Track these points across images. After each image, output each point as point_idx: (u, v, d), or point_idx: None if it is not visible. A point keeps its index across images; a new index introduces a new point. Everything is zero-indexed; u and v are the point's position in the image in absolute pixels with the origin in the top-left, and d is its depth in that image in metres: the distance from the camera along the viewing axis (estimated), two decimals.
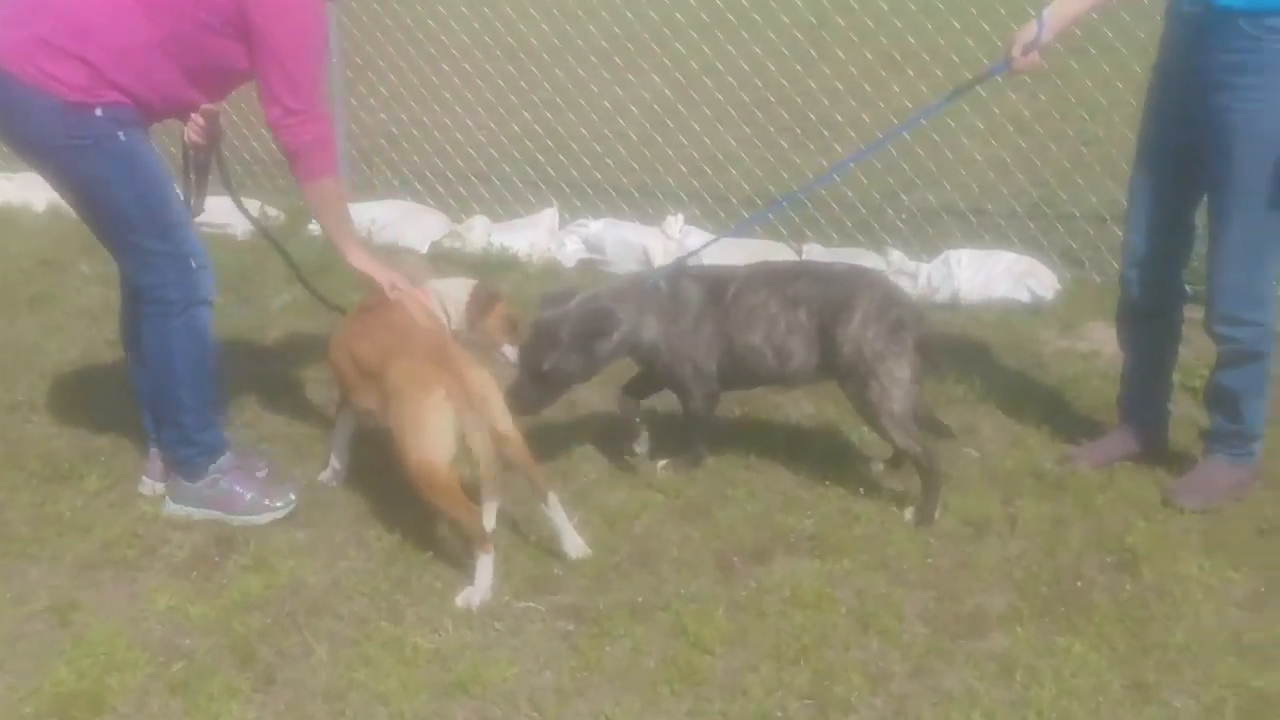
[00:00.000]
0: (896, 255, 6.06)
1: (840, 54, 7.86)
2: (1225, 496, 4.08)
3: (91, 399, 4.91)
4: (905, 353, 4.05)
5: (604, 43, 8.37)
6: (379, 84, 8.03)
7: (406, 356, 3.81)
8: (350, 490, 4.27)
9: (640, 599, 3.65)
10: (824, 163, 7.41)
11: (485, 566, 3.66)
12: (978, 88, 4.37)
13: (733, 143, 7.76)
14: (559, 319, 4.13)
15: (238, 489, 4.11)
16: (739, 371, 4.25)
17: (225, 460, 4.15)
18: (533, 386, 4.13)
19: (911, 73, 7.59)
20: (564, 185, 7.21)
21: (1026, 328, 5.51)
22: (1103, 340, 5.37)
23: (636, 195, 6.96)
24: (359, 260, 4.09)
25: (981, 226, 6.43)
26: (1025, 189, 6.81)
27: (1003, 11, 7.96)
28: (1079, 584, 3.69)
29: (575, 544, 3.85)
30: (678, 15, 8.11)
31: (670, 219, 6.44)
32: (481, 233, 6.67)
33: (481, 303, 4.28)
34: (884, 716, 3.19)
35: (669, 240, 6.33)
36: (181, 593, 3.73)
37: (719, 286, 4.20)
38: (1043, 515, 4.05)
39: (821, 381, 4.30)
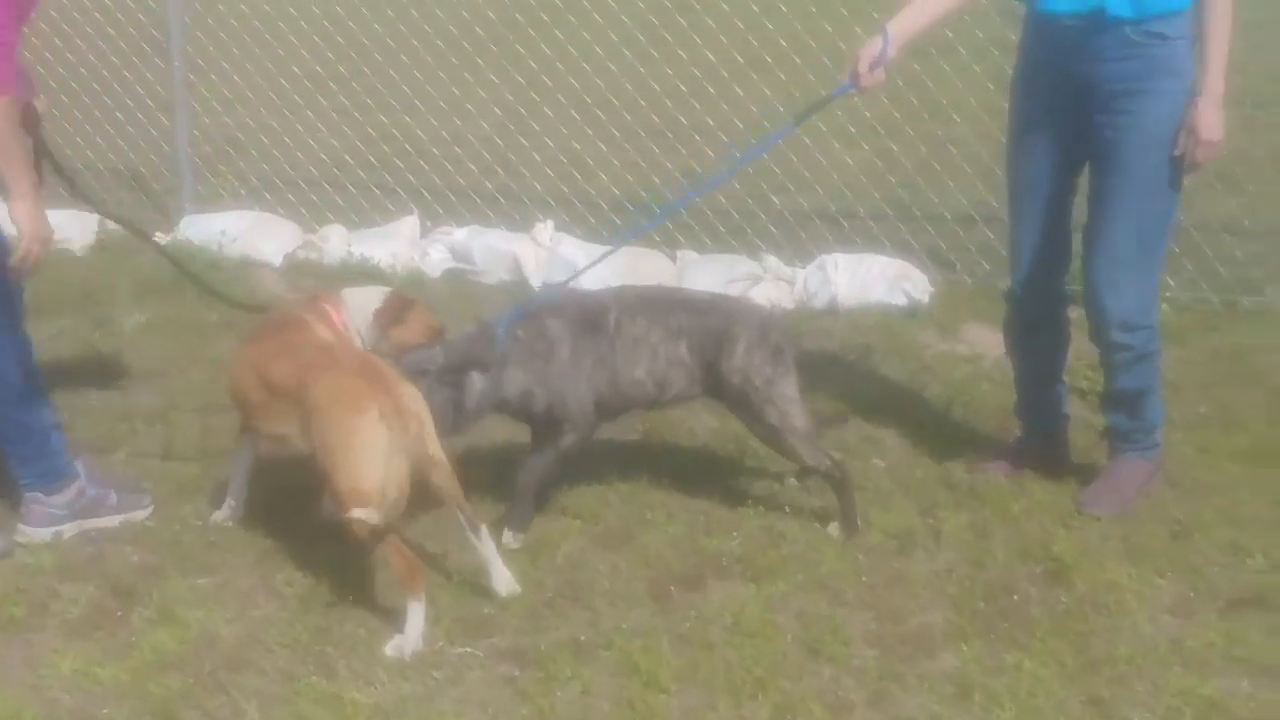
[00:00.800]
0: (772, 261, 6.04)
1: (710, 56, 7.79)
2: (1137, 497, 4.14)
3: None
4: (790, 371, 4.07)
5: (465, 44, 8.13)
6: (221, 86, 7.63)
7: (333, 372, 3.58)
8: (249, 529, 4.02)
9: (582, 636, 3.52)
10: (696, 168, 7.36)
11: (416, 613, 3.46)
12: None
13: (602, 146, 7.60)
14: (428, 355, 3.88)
15: None
16: (617, 402, 4.09)
17: None
18: None
19: (783, 76, 7.58)
20: (424, 192, 6.95)
21: (906, 332, 5.56)
22: (981, 342, 5.47)
23: (503, 201, 6.78)
24: (22, 209, 3.63)
25: (853, 230, 6.45)
26: (895, 192, 6.86)
27: (876, 15, 8.03)
28: (1015, 597, 3.70)
29: (505, 579, 3.69)
30: (542, 15, 7.91)
31: (540, 225, 6.29)
32: (339, 243, 6.40)
33: (394, 311, 4.03)
34: None
35: (539, 248, 6.19)
36: (86, 654, 3.45)
37: (594, 316, 4.00)
38: (964, 525, 4.06)
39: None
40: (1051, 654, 3.45)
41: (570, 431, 3.96)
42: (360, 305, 4.02)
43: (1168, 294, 5.66)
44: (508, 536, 3.91)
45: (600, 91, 7.88)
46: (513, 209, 6.72)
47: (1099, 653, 3.47)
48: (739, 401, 4.04)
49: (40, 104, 4.00)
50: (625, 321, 4.00)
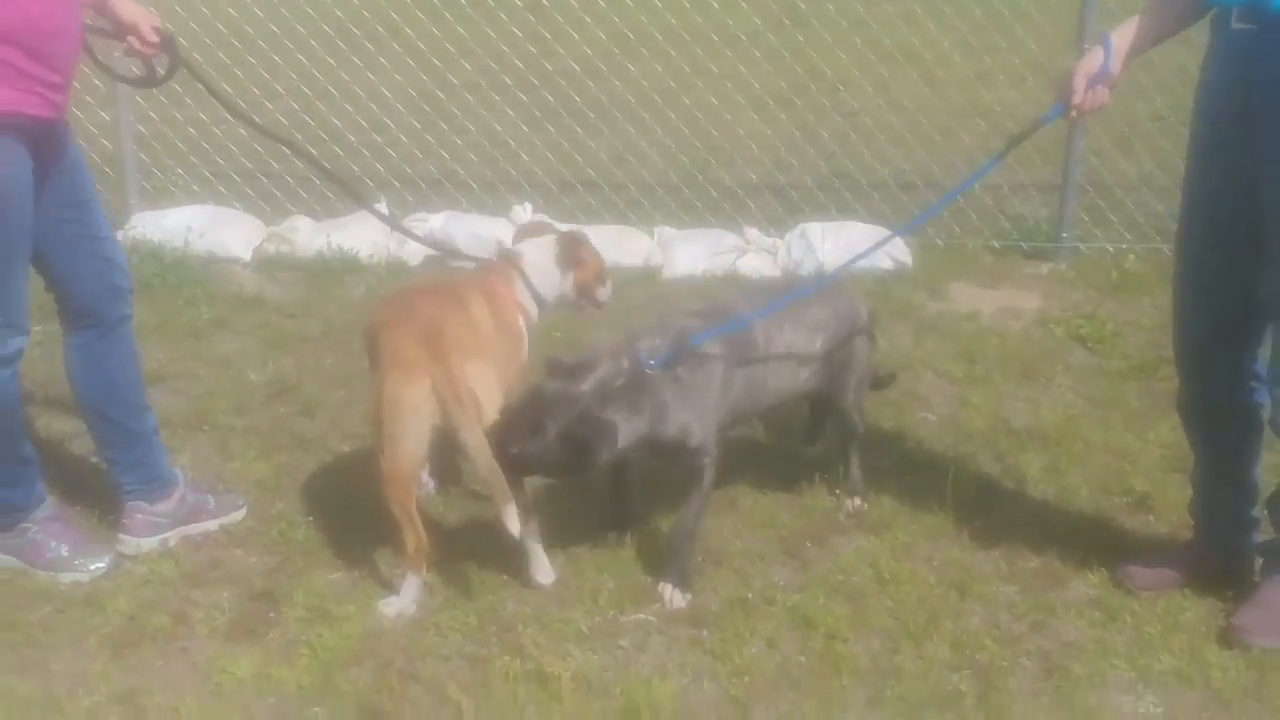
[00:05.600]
0: (754, 233, 6.20)
1: (602, 35, 7.91)
2: None
3: None
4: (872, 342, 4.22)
5: (380, 28, 8.01)
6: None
7: (402, 332, 3.53)
8: (359, 522, 3.93)
9: (748, 595, 3.64)
10: (618, 144, 7.45)
11: (412, 585, 3.55)
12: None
13: (524, 128, 7.65)
14: (562, 400, 3.45)
15: (51, 542, 3.72)
16: (752, 415, 4.02)
17: (40, 512, 3.75)
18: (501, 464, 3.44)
19: (673, 52, 7.72)
20: (394, 181, 6.87)
21: (900, 294, 5.79)
22: (971, 300, 5.81)
23: (475, 188, 6.75)
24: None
25: (800, 200, 6.67)
26: (835, 162, 7.11)
27: None
28: (1111, 528, 3.98)
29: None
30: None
31: (517, 208, 6.30)
32: (308, 234, 6.27)
33: (570, 254, 3.97)
34: (1037, 675, 3.34)
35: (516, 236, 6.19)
36: (255, 658, 3.37)
37: (741, 338, 3.74)
38: (1040, 468, 4.32)
39: None
40: None
41: (709, 466, 3.68)
42: (538, 263, 3.96)
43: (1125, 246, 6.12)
44: (672, 594, 3.63)
45: (520, 73, 7.88)
46: (486, 194, 6.70)
47: None
48: (838, 374, 4.04)
49: None
50: (774, 333, 3.82)
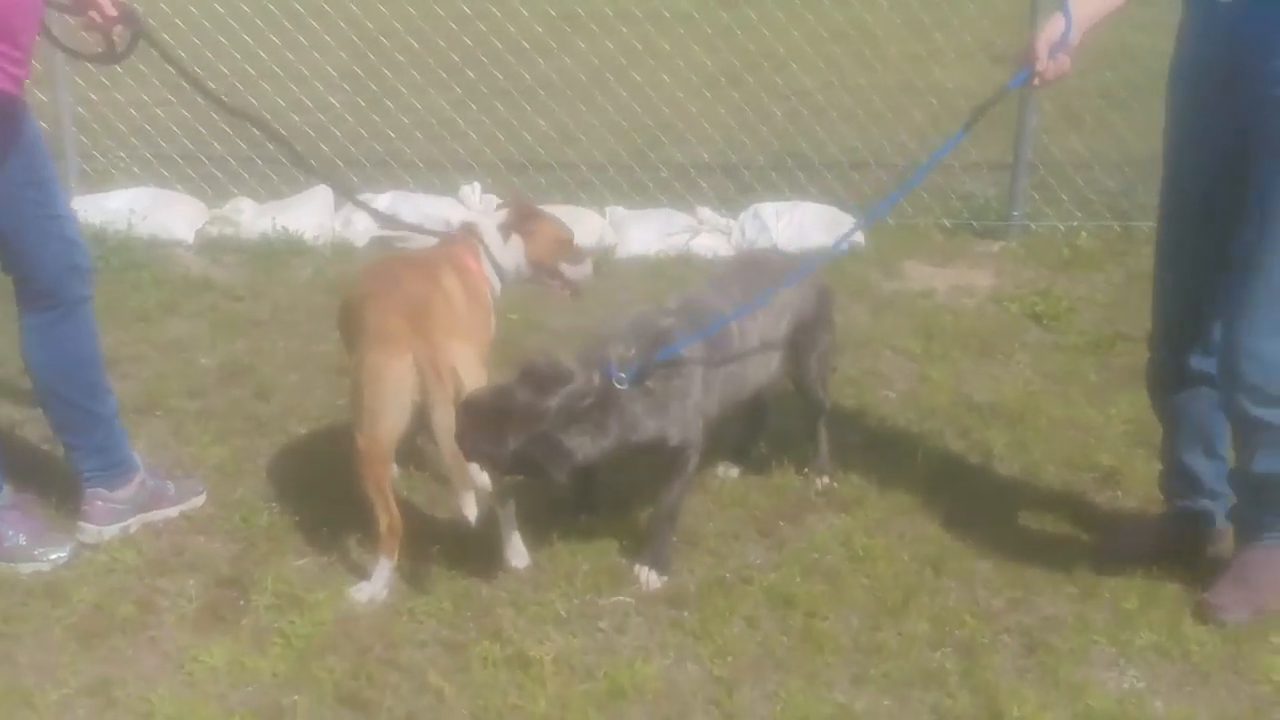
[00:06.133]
0: (707, 213, 6.17)
1: (544, 10, 7.85)
2: (1272, 595, 3.47)
3: None
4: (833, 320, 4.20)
5: (325, 5, 7.87)
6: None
7: (384, 306, 3.48)
8: (323, 509, 3.85)
9: (725, 575, 3.61)
10: (569, 123, 7.40)
11: (384, 569, 3.50)
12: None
13: (472, 106, 7.56)
14: (525, 414, 3.33)
15: (9, 531, 3.62)
16: (733, 406, 3.89)
17: None
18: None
19: (625, 29, 7.71)
20: (338, 161, 6.76)
21: (855, 273, 5.78)
22: (923, 277, 5.83)
23: (422, 167, 6.66)
24: None
25: (752, 179, 6.64)
26: (791, 141, 7.10)
27: None
28: (1081, 503, 3.99)
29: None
30: None
31: (466, 188, 6.22)
32: (252, 216, 6.14)
33: (516, 223, 3.91)
34: (1019, 652, 3.34)
35: (470, 211, 6.12)
36: (227, 646, 3.28)
37: (719, 337, 3.66)
38: (1004, 443, 4.33)
39: None
40: None
41: (693, 456, 3.65)
42: (493, 234, 3.89)
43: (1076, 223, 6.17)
44: (648, 575, 3.60)
45: (465, 50, 7.78)
46: (435, 174, 6.61)
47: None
48: (805, 353, 4.02)
49: None
50: (748, 324, 3.76)
